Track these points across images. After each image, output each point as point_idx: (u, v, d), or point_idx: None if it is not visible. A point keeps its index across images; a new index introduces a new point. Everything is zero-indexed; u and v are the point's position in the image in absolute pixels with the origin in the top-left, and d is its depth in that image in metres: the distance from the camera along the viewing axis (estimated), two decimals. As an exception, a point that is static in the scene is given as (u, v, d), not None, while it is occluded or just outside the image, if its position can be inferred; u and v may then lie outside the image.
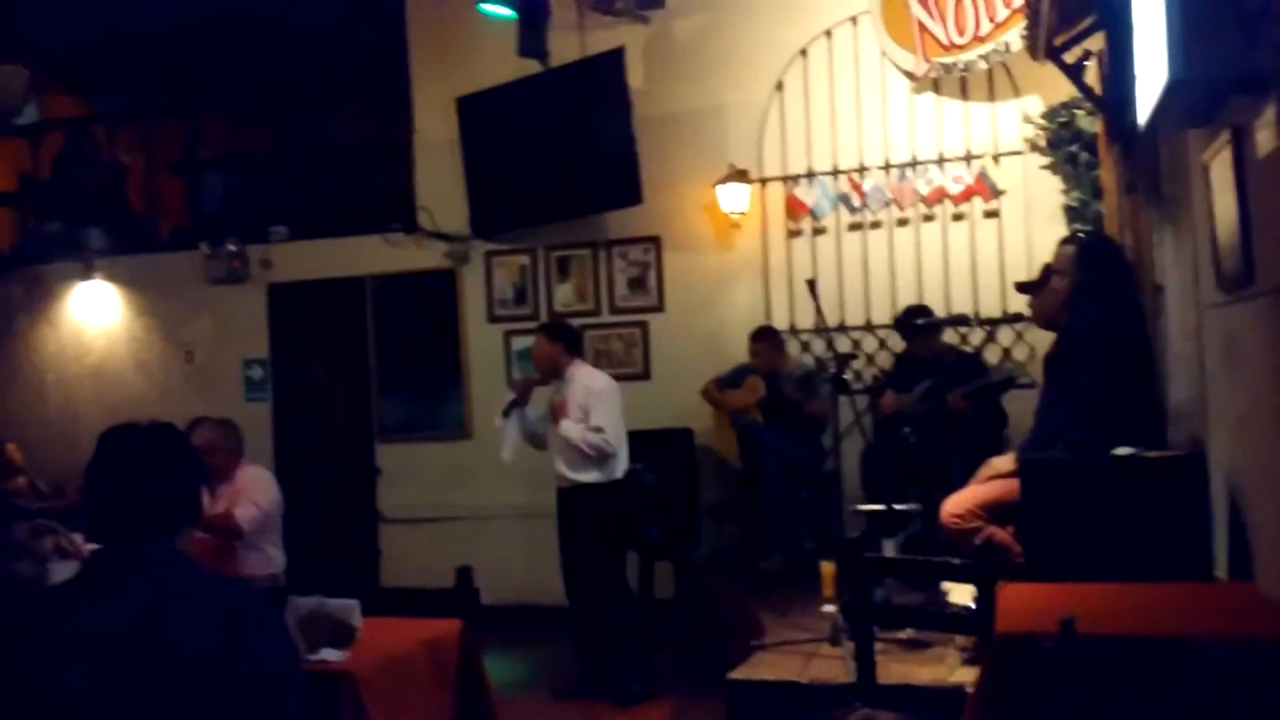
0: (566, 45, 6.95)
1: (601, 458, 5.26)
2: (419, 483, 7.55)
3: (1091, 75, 4.91)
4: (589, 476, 5.30)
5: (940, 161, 6.59)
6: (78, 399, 8.26)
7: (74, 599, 2.02)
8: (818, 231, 6.83)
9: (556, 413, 5.38)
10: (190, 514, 2.13)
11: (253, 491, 5.34)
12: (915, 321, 5.76)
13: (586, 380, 5.38)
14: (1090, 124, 5.80)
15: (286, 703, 2.05)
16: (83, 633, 1.94)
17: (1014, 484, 3.64)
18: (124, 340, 8.32)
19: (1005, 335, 6.34)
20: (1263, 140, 2.56)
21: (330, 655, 3.32)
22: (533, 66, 6.92)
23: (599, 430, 5.22)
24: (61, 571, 3.95)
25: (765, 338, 6.44)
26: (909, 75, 6.61)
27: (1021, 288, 4.75)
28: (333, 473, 7.91)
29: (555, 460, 5.39)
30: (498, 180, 7.21)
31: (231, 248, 7.91)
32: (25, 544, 4.26)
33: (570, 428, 5.25)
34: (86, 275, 8.29)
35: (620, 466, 5.37)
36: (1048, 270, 4.48)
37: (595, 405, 5.27)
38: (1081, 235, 4.68)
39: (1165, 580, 2.91)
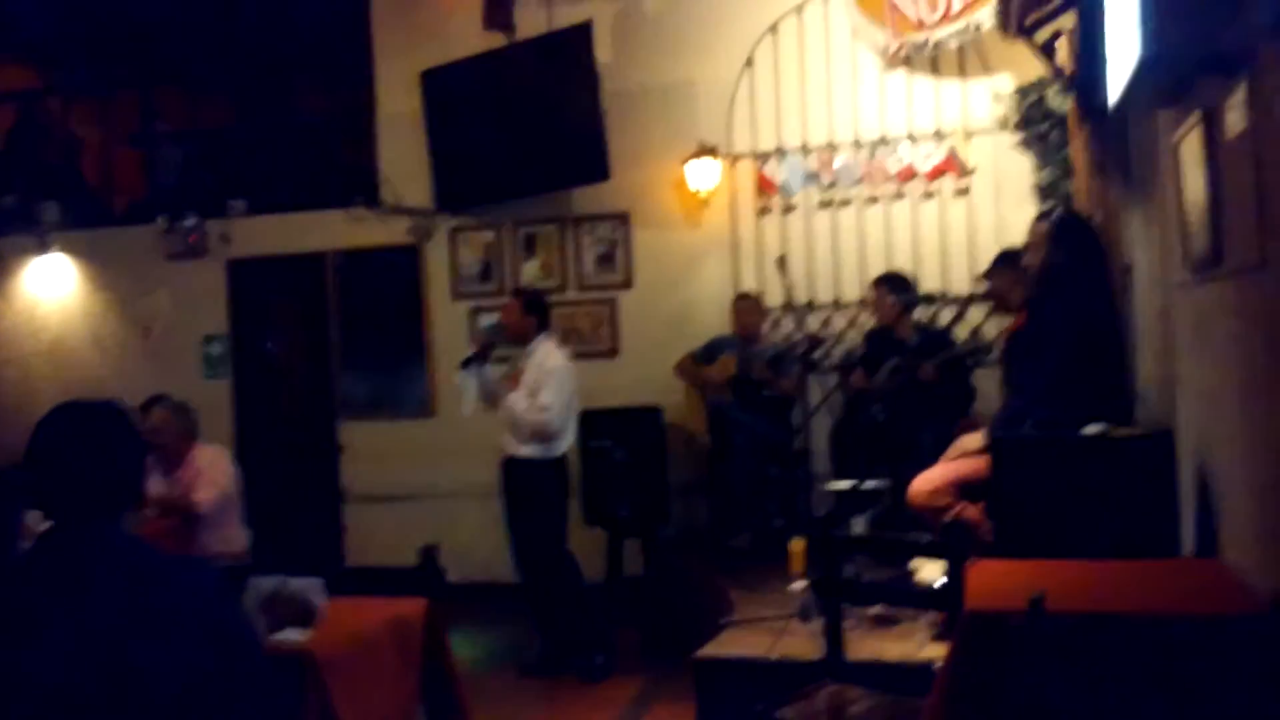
0: (533, 18, 6.87)
1: (543, 435, 5.29)
2: (383, 461, 7.47)
3: (1063, 54, 4.91)
4: (529, 451, 5.34)
5: (911, 139, 6.58)
6: (34, 376, 8.10)
7: (24, 580, 1.97)
8: (787, 209, 6.81)
9: (510, 382, 5.38)
10: (134, 495, 2.08)
11: (210, 472, 5.28)
12: (902, 295, 5.72)
13: (543, 357, 5.40)
14: (1061, 103, 5.81)
15: (247, 681, 2.02)
16: (33, 614, 1.89)
17: (983, 462, 3.65)
18: (80, 316, 8.16)
19: (975, 313, 6.34)
20: (1232, 121, 2.56)
21: (293, 635, 3.27)
22: (498, 40, 6.83)
23: (544, 409, 5.23)
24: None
25: (750, 297, 6.49)
26: (880, 53, 6.58)
27: (985, 277, 4.77)
28: (294, 451, 7.82)
29: (503, 429, 5.42)
30: (463, 155, 7.12)
31: (190, 222, 7.77)
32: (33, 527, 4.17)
33: (517, 401, 5.29)
34: (42, 250, 8.12)
35: (562, 445, 5.40)
36: (1001, 256, 4.52)
37: (546, 384, 5.29)
38: (1057, 212, 4.68)
39: (1133, 557, 2.92)
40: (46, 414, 2.06)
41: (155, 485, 5.13)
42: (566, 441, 5.44)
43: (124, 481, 2.05)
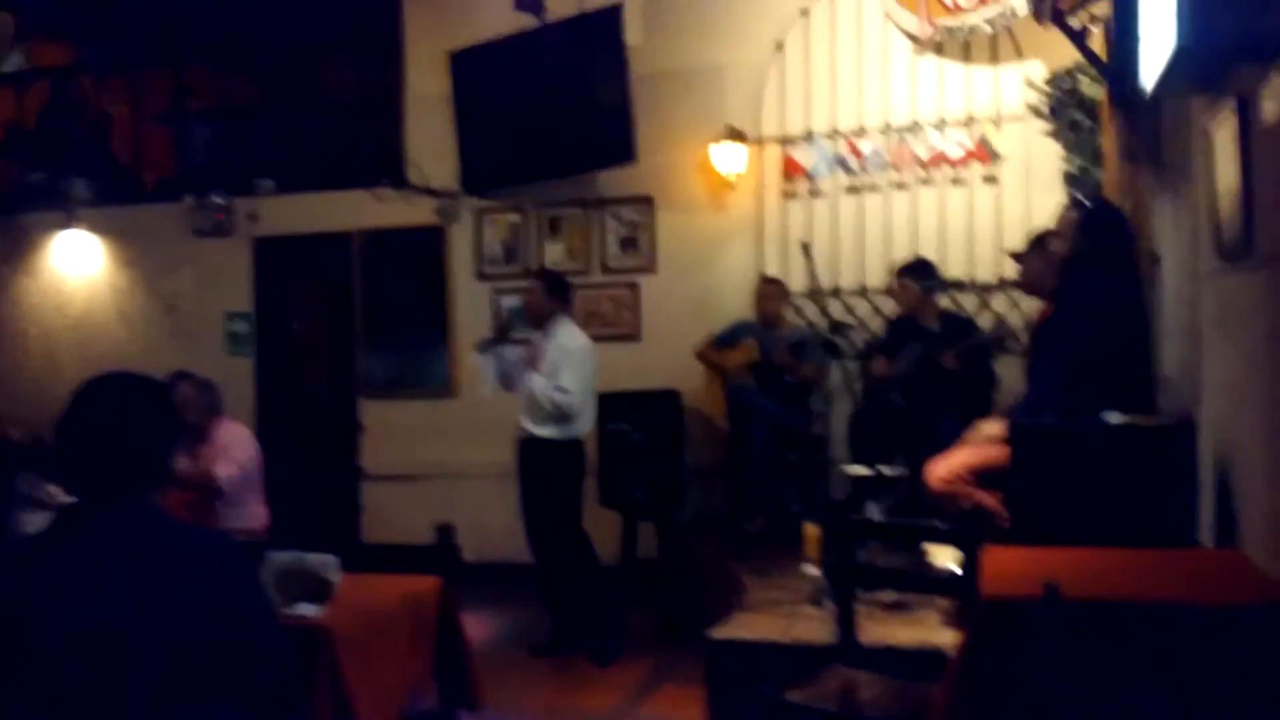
0: (563, 1, 6.83)
1: (561, 417, 5.28)
2: (402, 440, 7.50)
3: (1096, 41, 4.84)
4: (546, 431, 5.33)
5: (940, 125, 6.51)
6: (59, 351, 8.19)
7: (47, 551, 1.98)
8: (814, 194, 6.76)
9: (530, 363, 5.36)
10: (163, 471, 2.07)
11: (233, 449, 5.32)
12: (924, 281, 5.67)
13: (564, 338, 5.39)
14: (1094, 90, 5.72)
15: (263, 654, 2.02)
16: (55, 586, 1.89)
17: (1002, 449, 3.60)
18: (106, 292, 8.24)
19: (999, 301, 6.29)
20: (1269, 109, 2.52)
21: (307, 610, 3.28)
22: (529, 21, 6.80)
23: (564, 391, 5.23)
24: (34, 522, 3.91)
25: (774, 282, 6.47)
26: (911, 37, 6.51)
27: (1015, 256, 4.69)
28: (315, 429, 7.87)
29: (520, 410, 5.41)
30: (490, 136, 7.11)
31: (217, 200, 7.83)
32: (30, 494, 4.21)
33: (537, 380, 5.28)
34: (69, 225, 8.19)
35: (581, 427, 5.39)
36: (1038, 238, 4.43)
37: (565, 365, 5.29)
38: (1086, 201, 4.62)
39: (1150, 546, 2.88)
40: (82, 385, 2.04)
41: (178, 460, 5.17)
42: (585, 424, 5.43)
43: (154, 457, 2.04)
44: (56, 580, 1.91)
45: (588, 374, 5.38)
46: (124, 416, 2.01)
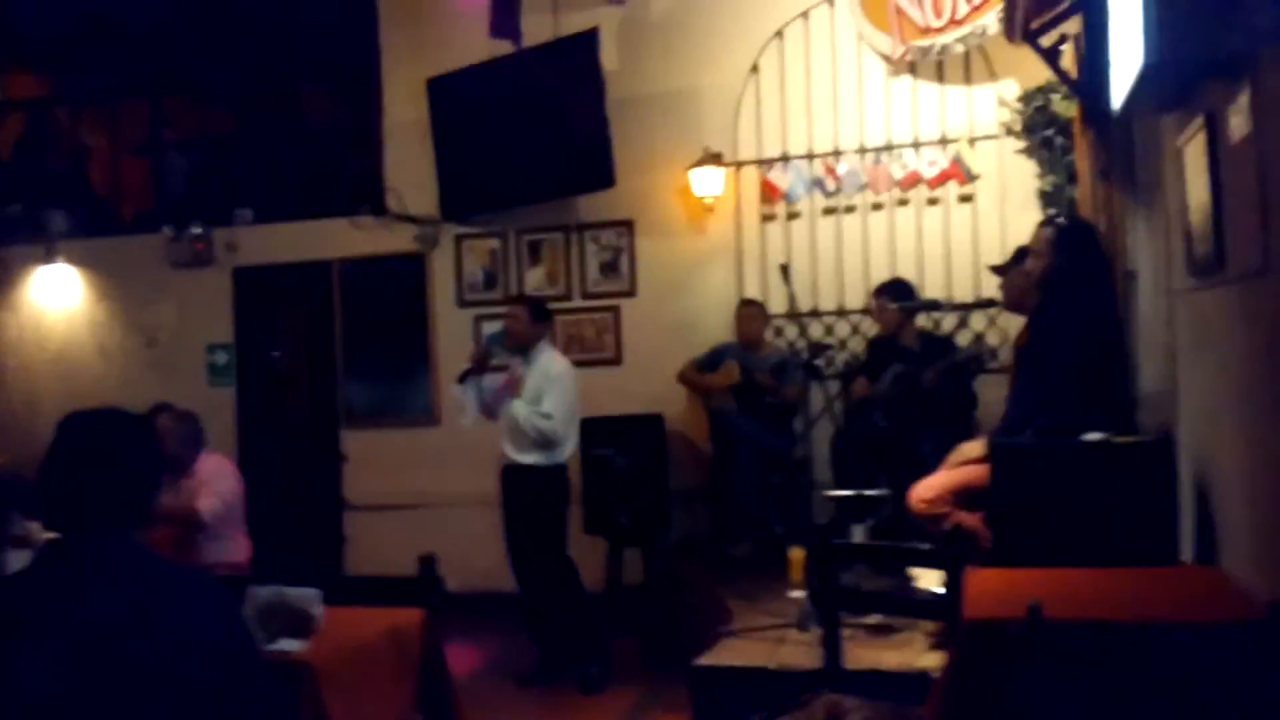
0: (539, 26, 6.85)
1: (545, 443, 5.26)
2: (385, 469, 7.47)
3: (1068, 59, 4.88)
4: (530, 458, 5.30)
5: (916, 145, 6.55)
6: (39, 385, 8.12)
7: (27, 589, 1.96)
8: (791, 216, 6.79)
9: (512, 389, 5.35)
10: (145, 507, 2.06)
11: (214, 482, 5.27)
12: (903, 301, 5.68)
13: (546, 364, 5.38)
14: (1066, 108, 5.77)
15: (247, 691, 2.00)
16: (36, 623, 1.88)
17: (983, 469, 3.61)
18: (86, 325, 8.19)
19: (978, 320, 6.32)
20: (1236, 126, 2.54)
21: (288, 645, 3.24)
22: (504, 47, 6.82)
23: (547, 417, 5.22)
24: (16, 560, 3.86)
25: (754, 304, 6.47)
26: (885, 58, 6.57)
27: (995, 269, 4.72)
28: (298, 459, 7.82)
29: (503, 437, 5.39)
30: (468, 163, 7.12)
31: (196, 231, 7.80)
32: (11, 531, 4.16)
33: (520, 408, 5.26)
34: (48, 259, 8.15)
35: (564, 453, 5.36)
36: (1019, 253, 4.45)
37: (549, 390, 5.28)
38: (1060, 219, 4.65)
39: (1132, 564, 2.89)
40: (65, 419, 2.04)
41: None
42: (569, 449, 5.41)
43: (138, 493, 2.03)
44: (39, 619, 1.89)
45: (571, 399, 5.37)
46: (108, 452, 2.01)
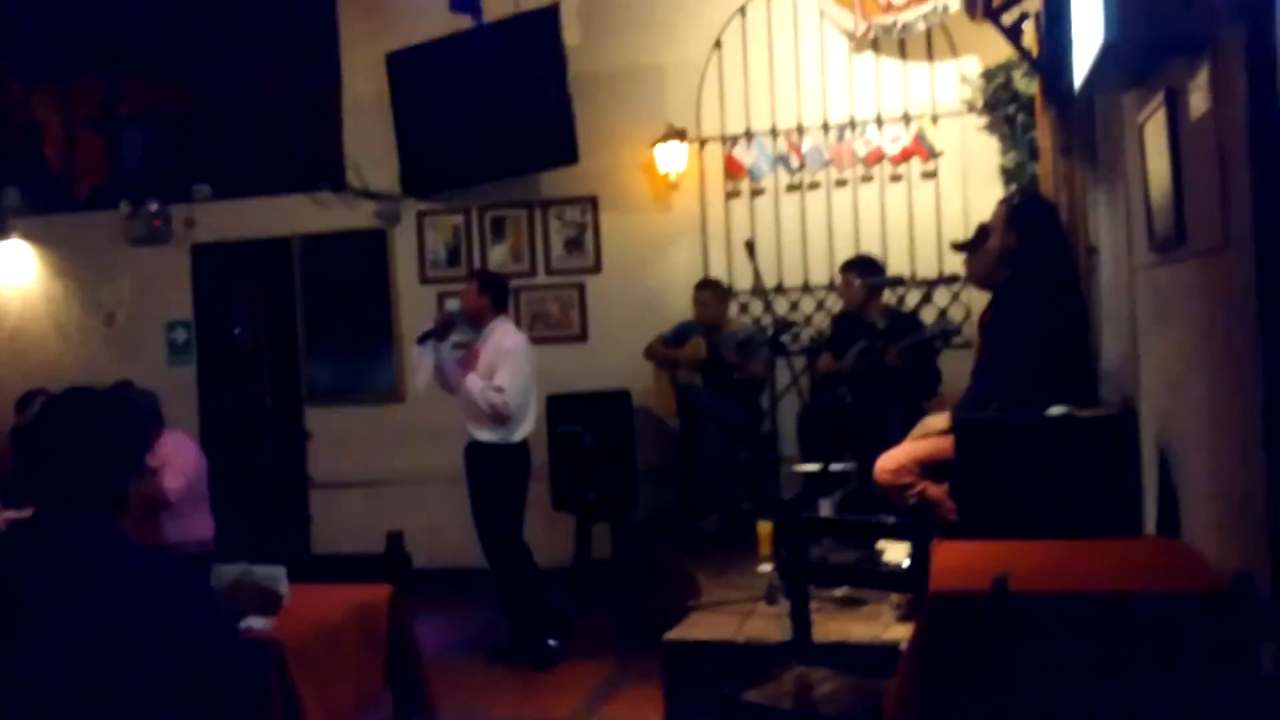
0: (500, 1, 6.79)
1: (498, 419, 5.22)
2: (351, 447, 7.42)
3: (1029, 37, 4.92)
4: (486, 435, 5.29)
5: (878, 122, 6.58)
6: (-6, 364, 7.98)
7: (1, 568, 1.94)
8: (756, 192, 6.80)
9: (467, 365, 5.33)
10: (126, 490, 2.05)
11: (177, 461, 5.21)
12: (869, 277, 5.70)
13: (500, 338, 5.34)
14: (1027, 85, 5.82)
15: (222, 671, 2.00)
16: (8, 604, 1.86)
17: (948, 441, 3.65)
18: (41, 303, 8.05)
19: (942, 295, 6.37)
20: (1196, 103, 2.57)
21: (256, 623, 3.24)
22: (465, 22, 6.75)
23: (499, 390, 5.18)
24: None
25: (710, 287, 6.44)
26: (848, 35, 6.57)
27: (957, 247, 4.76)
28: (261, 438, 7.75)
29: (462, 414, 5.37)
30: (430, 138, 7.05)
31: (153, 207, 7.68)
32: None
33: (474, 382, 5.23)
34: (2, 235, 7.99)
35: (520, 431, 5.32)
36: (983, 230, 4.49)
37: (502, 364, 5.24)
38: (1015, 197, 4.70)
39: (1096, 537, 2.93)
40: (51, 398, 2.07)
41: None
42: (527, 426, 5.36)
43: (115, 474, 2.01)
44: (8, 600, 1.87)
45: (525, 373, 5.31)
46: (88, 431, 1.99)
